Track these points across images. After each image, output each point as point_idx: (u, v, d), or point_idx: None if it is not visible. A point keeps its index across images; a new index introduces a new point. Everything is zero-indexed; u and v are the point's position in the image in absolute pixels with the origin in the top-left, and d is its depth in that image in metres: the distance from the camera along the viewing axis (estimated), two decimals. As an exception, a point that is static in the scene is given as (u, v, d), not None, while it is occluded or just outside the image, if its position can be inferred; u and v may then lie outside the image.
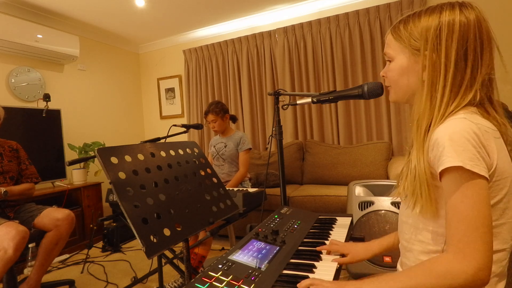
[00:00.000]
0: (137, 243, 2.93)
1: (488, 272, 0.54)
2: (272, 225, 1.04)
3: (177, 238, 0.87)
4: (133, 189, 0.86)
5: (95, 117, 3.68)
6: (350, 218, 1.20)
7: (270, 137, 1.48)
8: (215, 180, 1.20)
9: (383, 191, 1.83)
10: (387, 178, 2.59)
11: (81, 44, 3.35)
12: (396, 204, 1.66)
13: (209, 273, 0.71)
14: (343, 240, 0.98)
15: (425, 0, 2.78)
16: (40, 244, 1.84)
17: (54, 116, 2.95)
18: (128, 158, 0.93)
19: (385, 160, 2.72)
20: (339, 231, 1.06)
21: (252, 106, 3.53)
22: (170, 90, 4.16)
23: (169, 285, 1.94)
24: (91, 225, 2.96)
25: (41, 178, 2.18)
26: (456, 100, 0.63)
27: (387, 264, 1.57)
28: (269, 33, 3.39)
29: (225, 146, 2.50)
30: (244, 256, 0.80)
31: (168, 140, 1.43)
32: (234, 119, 2.63)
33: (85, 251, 2.76)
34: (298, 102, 1.32)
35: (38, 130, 2.81)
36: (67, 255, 2.71)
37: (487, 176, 0.57)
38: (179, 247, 2.28)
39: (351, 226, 1.17)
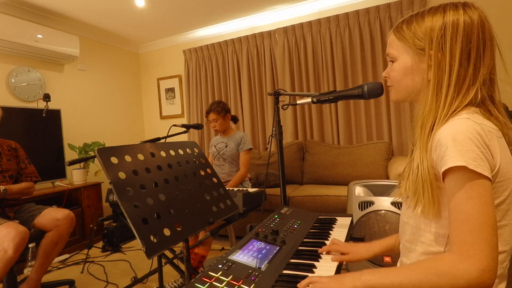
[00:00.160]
0: (137, 243, 2.93)
1: (492, 275, 0.53)
2: (272, 225, 1.04)
3: (177, 238, 0.87)
4: (133, 189, 0.86)
5: (95, 117, 3.68)
6: (350, 218, 1.20)
7: (270, 137, 1.48)
8: (215, 180, 1.20)
9: (383, 191, 1.83)
10: (387, 178, 2.59)
11: (81, 44, 3.35)
12: (396, 204, 1.66)
13: (209, 273, 0.71)
14: (343, 240, 0.98)
15: (425, 0, 2.78)
16: (40, 244, 1.84)
17: (54, 116, 2.95)
18: (128, 158, 0.93)
19: (385, 160, 2.72)
20: (339, 231, 1.06)
21: (252, 106, 3.53)
22: (170, 90, 4.16)
23: (169, 285, 1.94)
24: (91, 225, 2.96)
25: (41, 178, 2.18)
26: (458, 99, 0.64)
27: (387, 264, 1.57)
28: (269, 33, 3.39)
29: (226, 146, 2.50)
30: (244, 256, 0.80)
31: (168, 140, 1.43)
32: (235, 119, 2.63)
33: (85, 251, 2.76)
34: (298, 102, 1.32)
35: (38, 130, 2.81)
36: (67, 255, 2.71)
37: (490, 177, 0.56)
38: (179, 247, 2.28)
39: (351, 226, 1.17)
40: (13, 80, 2.88)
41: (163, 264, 1.89)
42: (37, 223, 1.84)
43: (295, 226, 1.06)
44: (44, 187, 2.90)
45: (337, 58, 3.06)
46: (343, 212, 2.20)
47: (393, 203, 1.66)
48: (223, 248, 2.70)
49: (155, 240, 0.80)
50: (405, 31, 0.70)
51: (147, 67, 4.34)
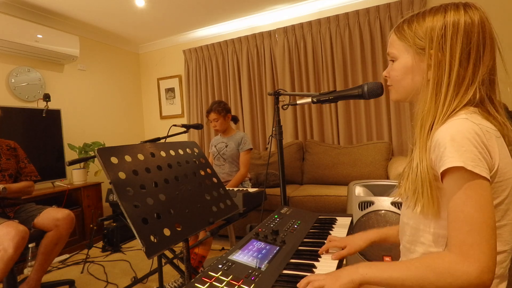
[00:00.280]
0: (137, 243, 2.93)
1: (491, 275, 0.53)
2: (272, 225, 1.04)
3: (177, 238, 0.87)
4: (133, 189, 0.86)
5: (95, 117, 3.68)
6: (350, 218, 1.20)
7: (270, 137, 1.48)
8: (215, 180, 1.20)
9: (383, 191, 1.83)
10: (387, 178, 2.59)
11: (81, 44, 3.35)
12: (396, 204, 1.65)
13: (209, 273, 0.71)
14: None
15: (425, 0, 2.78)
16: (40, 244, 1.83)
17: (54, 116, 2.95)
18: (128, 158, 0.93)
19: (385, 160, 2.72)
20: (339, 231, 1.06)
21: (252, 106, 3.53)
22: (170, 90, 4.16)
23: (169, 285, 1.94)
24: (91, 225, 2.96)
25: (41, 178, 2.18)
26: (457, 99, 0.64)
27: (387, 264, 1.57)
28: (269, 33, 3.39)
29: (226, 146, 2.50)
30: (244, 256, 0.80)
31: (168, 140, 1.43)
32: (235, 119, 2.63)
33: (85, 251, 2.76)
34: (298, 102, 1.32)
35: (38, 130, 2.81)
36: (67, 255, 2.71)
37: (488, 177, 0.56)
38: (179, 247, 2.28)
39: (351, 226, 1.17)
40: (13, 80, 2.88)
41: (163, 264, 1.89)
42: (37, 223, 1.84)
43: (295, 226, 1.06)
44: (44, 187, 2.90)
45: (337, 58, 3.06)
46: (343, 212, 2.20)
47: (393, 203, 1.66)
48: (223, 248, 2.70)
49: (155, 240, 0.80)
50: (406, 30, 0.70)
51: (147, 67, 4.34)
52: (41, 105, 2.95)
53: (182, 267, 1.73)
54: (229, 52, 3.60)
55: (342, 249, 0.87)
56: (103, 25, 3.50)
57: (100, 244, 2.88)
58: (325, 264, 0.81)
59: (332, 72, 3.11)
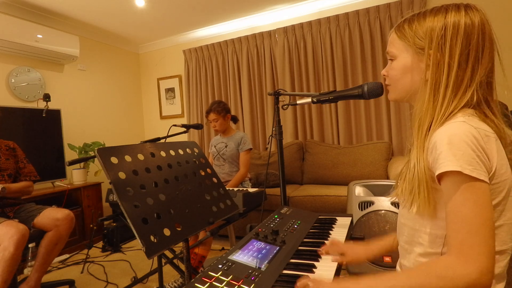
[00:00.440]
0: (137, 243, 2.93)
1: (490, 276, 0.53)
2: (272, 225, 1.04)
3: (177, 238, 0.87)
4: (133, 189, 0.86)
5: (95, 117, 3.68)
6: (350, 218, 1.20)
7: (270, 137, 1.48)
8: (215, 180, 1.20)
9: (383, 191, 1.83)
10: (387, 178, 2.59)
11: (81, 44, 3.35)
12: (396, 204, 1.66)
13: (209, 273, 0.71)
14: (343, 240, 0.99)
15: (425, 0, 2.78)
16: (40, 244, 1.84)
17: (54, 116, 2.95)
18: (128, 158, 0.93)
19: (385, 160, 2.72)
20: (339, 231, 1.06)
21: (252, 106, 3.53)
22: (170, 90, 4.16)
23: (169, 285, 1.94)
24: (91, 225, 2.96)
25: (41, 178, 2.18)
26: (455, 100, 0.64)
27: (387, 264, 1.57)
28: (269, 33, 3.39)
29: (226, 146, 2.50)
30: (244, 256, 0.80)
31: (168, 140, 1.43)
32: (235, 119, 2.63)
33: (85, 251, 2.76)
34: (298, 102, 1.32)
35: (38, 130, 2.81)
36: (67, 255, 2.71)
37: (487, 180, 0.56)
38: (179, 247, 2.28)
39: (351, 226, 1.17)
40: (13, 80, 2.88)
41: (163, 264, 1.88)
42: (37, 223, 1.84)
43: (295, 226, 1.06)
44: (44, 187, 2.90)
45: (337, 58, 3.06)
46: (343, 212, 2.20)
47: (393, 203, 1.66)
48: (223, 248, 2.70)
49: (155, 240, 0.80)
50: (406, 29, 0.70)
51: (147, 67, 4.34)
52: (41, 105, 2.95)
53: (182, 267, 1.73)
54: (229, 52, 3.60)
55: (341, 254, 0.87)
56: (103, 25, 3.50)
57: (100, 244, 2.88)
58: (325, 264, 0.81)
59: (332, 72, 3.11)
